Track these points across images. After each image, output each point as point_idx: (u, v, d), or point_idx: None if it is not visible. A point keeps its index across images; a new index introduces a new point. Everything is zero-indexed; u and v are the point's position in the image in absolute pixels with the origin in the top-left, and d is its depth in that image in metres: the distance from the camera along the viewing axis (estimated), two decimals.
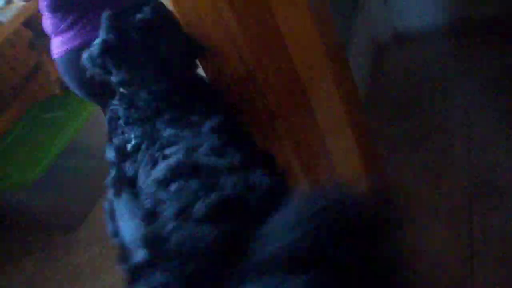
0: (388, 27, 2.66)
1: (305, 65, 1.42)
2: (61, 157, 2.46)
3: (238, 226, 0.93)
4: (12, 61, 3.00)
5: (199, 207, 0.97)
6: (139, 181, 1.16)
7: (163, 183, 1.07)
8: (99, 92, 1.60)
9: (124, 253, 1.06)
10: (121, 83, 1.34)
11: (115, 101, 1.36)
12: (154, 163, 1.15)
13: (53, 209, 2.53)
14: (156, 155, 1.17)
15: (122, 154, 1.26)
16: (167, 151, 1.15)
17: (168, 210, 1.01)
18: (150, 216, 1.05)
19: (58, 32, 1.71)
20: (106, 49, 1.30)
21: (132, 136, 1.27)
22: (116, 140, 1.31)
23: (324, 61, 1.42)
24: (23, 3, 2.61)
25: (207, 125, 1.19)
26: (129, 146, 1.26)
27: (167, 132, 1.22)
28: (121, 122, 1.32)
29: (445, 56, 2.50)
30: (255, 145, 1.31)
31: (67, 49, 1.68)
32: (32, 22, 2.95)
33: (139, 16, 1.31)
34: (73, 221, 2.61)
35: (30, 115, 2.84)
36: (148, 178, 1.12)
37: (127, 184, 1.19)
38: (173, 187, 1.05)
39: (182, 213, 0.98)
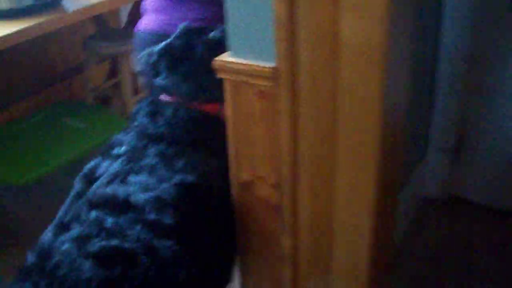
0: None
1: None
2: (59, 172, 2.10)
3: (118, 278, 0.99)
4: (63, 51, 2.74)
5: (95, 244, 1.02)
6: (92, 185, 1.20)
7: (91, 205, 1.12)
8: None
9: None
10: (161, 88, 1.36)
11: (145, 101, 1.37)
12: (112, 180, 1.18)
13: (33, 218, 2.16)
14: (119, 175, 1.18)
15: (108, 152, 1.28)
16: (131, 179, 1.17)
17: (74, 231, 1.06)
18: (60, 227, 1.10)
19: (153, 10, 1.67)
20: (166, 51, 1.35)
21: (126, 144, 1.28)
22: (120, 135, 1.33)
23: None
24: None
25: (178, 180, 1.18)
26: (116, 149, 1.27)
27: (146, 161, 1.21)
28: (135, 124, 1.33)
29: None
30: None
31: (152, 29, 1.65)
32: (100, 19, 2.71)
33: (211, 33, 1.36)
34: None
35: (50, 113, 2.51)
36: (97, 189, 1.17)
37: (87, 180, 1.22)
38: (94, 214, 1.09)
39: (81, 240, 1.03)
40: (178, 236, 1.10)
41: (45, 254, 1.04)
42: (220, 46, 1.26)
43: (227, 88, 1.14)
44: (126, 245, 1.03)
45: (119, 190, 1.14)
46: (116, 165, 1.22)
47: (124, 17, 3.01)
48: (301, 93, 1.06)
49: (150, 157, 1.22)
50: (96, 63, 2.68)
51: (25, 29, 2.05)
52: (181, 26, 1.41)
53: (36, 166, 2.07)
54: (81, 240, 1.04)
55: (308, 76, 1.03)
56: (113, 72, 2.96)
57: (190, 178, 1.19)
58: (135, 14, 2.88)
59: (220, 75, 1.14)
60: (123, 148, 1.27)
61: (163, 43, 1.38)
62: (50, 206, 2.14)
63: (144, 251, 1.03)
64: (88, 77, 2.70)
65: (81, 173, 1.26)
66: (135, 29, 1.74)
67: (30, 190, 2.09)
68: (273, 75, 1.06)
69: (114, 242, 1.03)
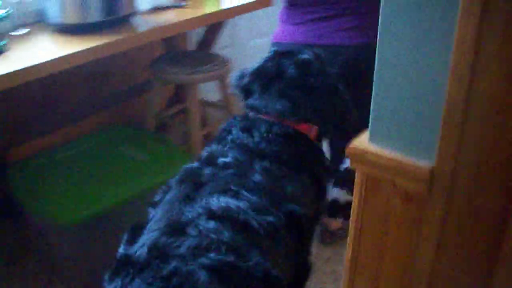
0: None
1: None
2: (110, 212, 1.83)
3: None
4: (124, 70, 2.52)
5: (212, 256, 1.01)
6: (202, 189, 1.20)
7: (211, 214, 1.11)
8: None
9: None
10: (254, 108, 1.40)
11: (238, 117, 1.42)
12: (225, 191, 1.18)
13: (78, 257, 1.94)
14: (232, 187, 1.19)
15: (210, 161, 1.29)
16: (244, 194, 1.17)
17: (191, 239, 1.05)
18: (174, 228, 1.09)
19: (291, 23, 1.80)
20: (259, 72, 1.44)
21: (230, 155, 1.29)
22: (214, 146, 1.35)
23: None
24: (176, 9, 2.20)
25: (289, 210, 1.20)
26: (220, 160, 1.28)
27: (256, 178, 1.23)
28: (230, 137, 1.35)
29: None
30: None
31: (287, 39, 1.78)
32: (169, 41, 2.48)
33: (300, 56, 1.43)
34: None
35: (103, 139, 2.25)
36: (210, 197, 1.16)
37: (194, 184, 1.22)
38: (213, 224, 1.08)
39: (198, 249, 1.02)
40: (285, 267, 1.16)
41: (160, 255, 1.02)
42: (310, 66, 1.43)
43: (360, 181, 0.87)
44: (244, 264, 1.02)
45: (236, 204, 1.15)
46: (225, 176, 1.23)
47: (192, 41, 2.79)
48: (459, 202, 0.79)
49: (258, 174, 1.25)
50: (160, 86, 2.43)
51: (91, 49, 1.83)
52: (272, 49, 1.52)
53: (84, 204, 1.81)
54: (198, 249, 1.02)
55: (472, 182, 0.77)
56: (177, 98, 2.72)
57: (298, 209, 1.22)
58: (208, 39, 2.66)
59: (353, 165, 0.87)
60: (229, 159, 1.28)
61: (256, 64, 1.48)
62: (97, 245, 1.90)
63: (262, 277, 1.02)
64: (151, 101, 2.45)
65: (180, 176, 1.28)
66: (274, 40, 1.85)
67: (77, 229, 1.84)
68: (429, 177, 0.79)
69: (231, 258, 1.02)
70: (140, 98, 2.64)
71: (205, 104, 2.67)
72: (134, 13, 2.12)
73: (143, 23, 2.12)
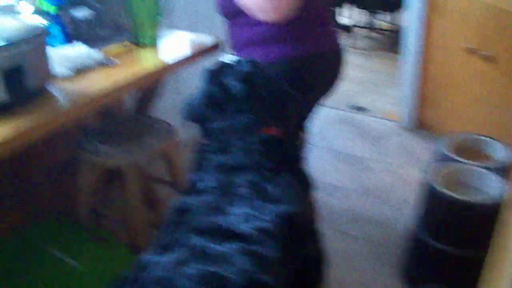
0: None
1: None
2: None
3: None
4: (49, 148, 2.06)
5: (194, 266, 1.03)
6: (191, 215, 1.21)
7: (195, 230, 1.13)
8: None
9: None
10: (217, 130, 1.43)
11: (204, 142, 1.45)
12: (215, 213, 1.20)
13: None
14: (222, 209, 1.21)
15: (191, 189, 1.33)
16: (232, 210, 1.20)
17: (174, 253, 1.08)
18: (160, 248, 1.13)
19: (279, 40, 1.75)
20: (208, 100, 1.46)
21: (207, 177, 1.32)
22: (193, 175, 1.38)
23: None
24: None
25: (276, 211, 1.22)
26: (199, 184, 1.31)
27: (239, 192, 1.26)
28: (207, 162, 1.38)
29: None
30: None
31: (284, 56, 1.75)
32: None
33: (238, 68, 1.48)
34: None
35: (26, 239, 1.79)
36: (196, 219, 1.18)
37: (180, 213, 1.23)
38: (197, 239, 1.11)
39: (180, 261, 1.06)
40: (280, 270, 1.16)
41: (143, 268, 1.05)
42: (252, 77, 1.46)
43: None
44: (226, 273, 1.03)
45: (223, 220, 1.17)
46: (208, 198, 1.25)
47: (127, 101, 2.37)
48: None
49: (242, 188, 1.27)
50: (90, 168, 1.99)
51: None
52: (206, 72, 1.52)
53: None
54: (181, 261, 1.05)
55: None
56: (113, 175, 2.27)
57: (289, 208, 1.24)
58: (146, 98, 2.25)
59: None
60: (208, 183, 1.30)
61: (201, 93, 1.50)
62: None
63: (248, 284, 1.03)
64: (81, 185, 2.00)
65: (171, 207, 1.27)
66: (278, 58, 1.75)
67: None
68: None
69: (213, 268, 1.03)
70: (68, 181, 2.17)
71: (149, 181, 2.24)
72: (49, 83, 1.68)
73: (63, 95, 1.68)
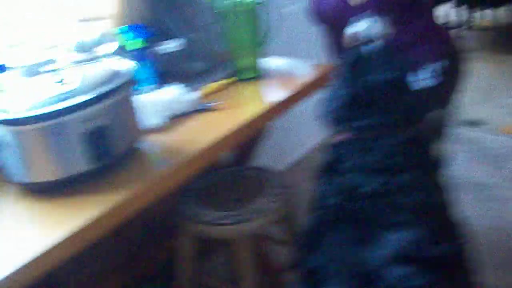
0: None
1: None
2: None
3: None
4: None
5: None
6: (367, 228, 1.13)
7: (397, 257, 1.06)
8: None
9: None
10: (364, 128, 1.30)
11: (339, 145, 1.31)
12: (388, 226, 1.11)
13: None
14: (392, 218, 1.13)
15: (348, 196, 1.20)
16: (400, 218, 1.12)
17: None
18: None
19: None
20: (351, 101, 1.32)
21: (364, 182, 1.20)
22: (337, 180, 1.25)
23: None
24: None
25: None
26: (359, 191, 1.20)
27: (407, 199, 1.16)
28: (346, 165, 1.26)
29: None
30: None
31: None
32: None
33: (387, 74, 1.32)
34: None
35: None
36: (380, 237, 1.10)
37: (348, 221, 1.16)
38: (400, 270, 1.04)
39: None
40: None
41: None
42: (400, 82, 1.34)
43: None
44: None
45: (411, 238, 1.09)
46: (376, 207, 1.16)
47: None
48: None
49: (403, 194, 1.17)
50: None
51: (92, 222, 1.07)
52: (343, 66, 1.38)
53: None
54: None
55: None
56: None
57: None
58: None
59: None
60: (367, 188, 1.19)
61: (340, 92, 1.35)
62: None
63: None
64: (180, 254, 1.67)
65: (323, 218, 1.23)
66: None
67: None
68: None
69: None
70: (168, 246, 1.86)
71: (262, 244, 1.87)
72: (139, 139, 1.37)
73: (157, 154, 1.36)
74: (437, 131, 1.69)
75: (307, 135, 2.85)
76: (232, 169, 1.79)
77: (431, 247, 1.09)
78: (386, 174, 1.20)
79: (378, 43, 1.38)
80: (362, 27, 1.41)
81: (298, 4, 2.05)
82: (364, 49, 1.38)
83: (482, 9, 4.60)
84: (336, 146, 1.33)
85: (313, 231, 1.23)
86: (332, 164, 1.31)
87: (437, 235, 1.12)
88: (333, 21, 1.63)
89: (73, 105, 1.17)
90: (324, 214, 1.23)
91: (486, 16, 4.74)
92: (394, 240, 1.09)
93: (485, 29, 4.77)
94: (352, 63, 1.37)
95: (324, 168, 1.32)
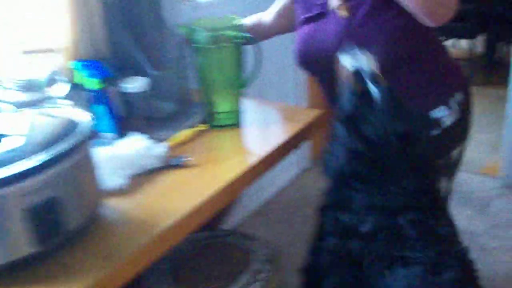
0: None
1: None
2: None
3: None
4: None
5: None
6: (366, 267, 1.11)
7: None
8: None
9: None
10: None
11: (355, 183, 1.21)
12: (391, 263, 1.09)
13: None
14: (395, 254, 1.10)
15: (351, 232, 1.16)
16: (409, 254, 1.10)
17: None
18: None
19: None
20: (352, 156, 1.21)
21: (369, 219, 1.15)
22: (344, 216, 1.19)
23: None
24: None
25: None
26: (362, 228, 1.15)
27: (411, 235, 1.12)
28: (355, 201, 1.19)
29: None
30: None
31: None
32: None
33: (399, 127, 1.20)
34: None
35: None
36: (381, 276, 1.09)
37: (348, 263, 1.14)
38: None
39: None
40: None
41: None
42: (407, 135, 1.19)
43: None
44: None
45: (411, 275, 1.07)
46: (379, 245, 1.12)
47: None
48: None
49: (410, 229, 1.12)
50: None
51: None
52: (341, 115, 1.23)
53: None
54: None
55: None
56: None
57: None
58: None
59: None
60: (370, 225, 1.14)
61: (340, 145, 1.22)
62: None
63: None
64: None
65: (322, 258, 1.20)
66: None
67: None
68: None
69: None
70: None
71: None
72: (98, 207, 1.11)
73: (119, 227, 1.10)
74: (452, 169, 1.60)
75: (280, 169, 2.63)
76: (208, 234, 1.53)
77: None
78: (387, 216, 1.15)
79: (380, 87, 1.19)
80: (346, 61, 1.23)
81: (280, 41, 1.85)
82: (363, 94, 1.20)
83: (458, 38, 4.57)
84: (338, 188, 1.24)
85: (313, 275, 1.20)
86: (335, 203, 1.23)
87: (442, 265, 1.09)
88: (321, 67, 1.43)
89: (13, 175, 0.90)
90: (324, 257, 1.19)
91: (461, 47, 4.72)
92: (402, 276, 1.07)
93: (460, 59, 4.77)
94: (351, 114, 1.20)
95: (327, 207, 1.25)
